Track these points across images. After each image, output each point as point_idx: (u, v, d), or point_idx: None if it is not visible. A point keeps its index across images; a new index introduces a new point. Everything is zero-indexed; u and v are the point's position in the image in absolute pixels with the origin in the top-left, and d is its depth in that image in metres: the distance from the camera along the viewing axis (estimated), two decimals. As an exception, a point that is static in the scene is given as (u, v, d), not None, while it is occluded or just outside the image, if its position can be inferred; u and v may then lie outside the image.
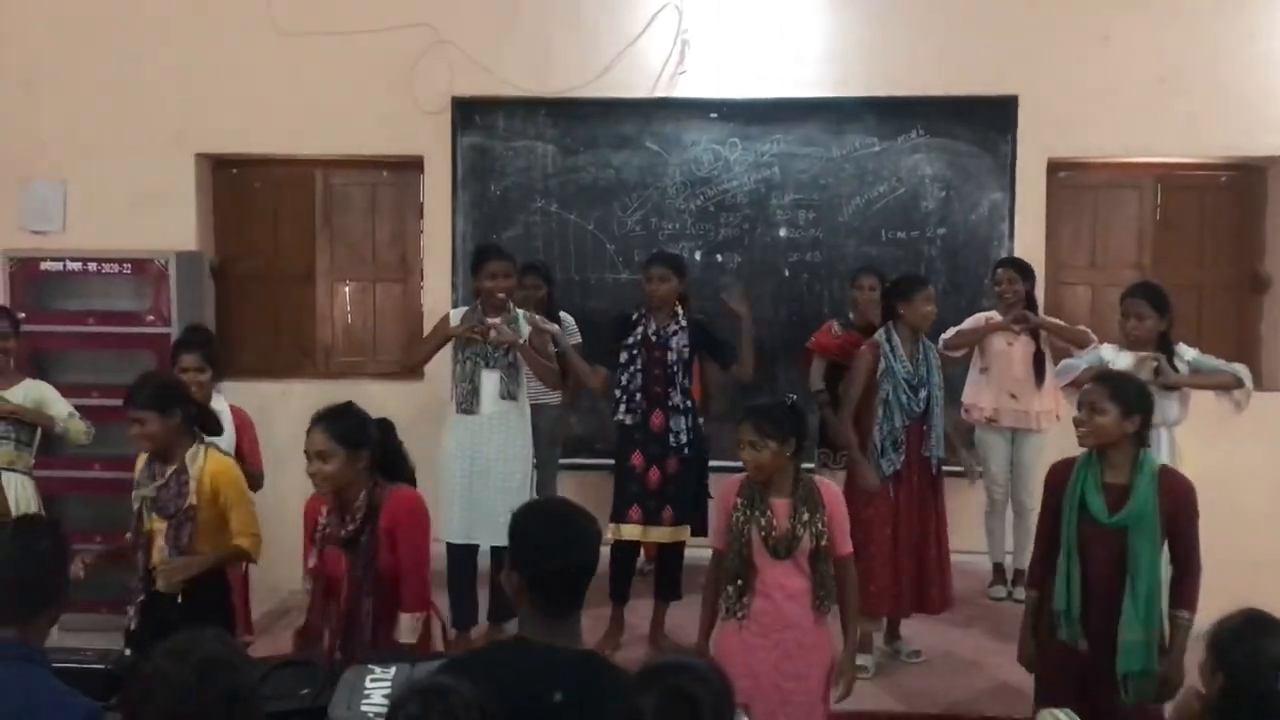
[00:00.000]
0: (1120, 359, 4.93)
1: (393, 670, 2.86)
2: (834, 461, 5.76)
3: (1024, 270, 5.86)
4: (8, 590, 2.61)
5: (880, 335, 5.04)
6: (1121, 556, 3.60)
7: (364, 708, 2.76)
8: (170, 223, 6.71)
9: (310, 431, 3.42)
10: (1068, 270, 6.93)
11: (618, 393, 5.20)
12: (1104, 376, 3.83)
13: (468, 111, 6.68)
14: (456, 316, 5.35)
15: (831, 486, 3.91)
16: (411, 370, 6.24)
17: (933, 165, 6.62)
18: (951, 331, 5.78)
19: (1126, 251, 6.93)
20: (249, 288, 7.11)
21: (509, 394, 5.18)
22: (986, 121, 6.57)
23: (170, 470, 3.98)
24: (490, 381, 5.15)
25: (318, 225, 7.06)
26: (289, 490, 6.55)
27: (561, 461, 6.18)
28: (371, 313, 7.16)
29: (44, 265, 6.51)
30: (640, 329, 5.17)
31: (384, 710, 2.72)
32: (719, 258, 6.71)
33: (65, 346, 6.54)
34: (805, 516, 3.71)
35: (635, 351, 5.15)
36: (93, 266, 6.50)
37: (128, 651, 3.15)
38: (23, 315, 6.28)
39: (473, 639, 5.11)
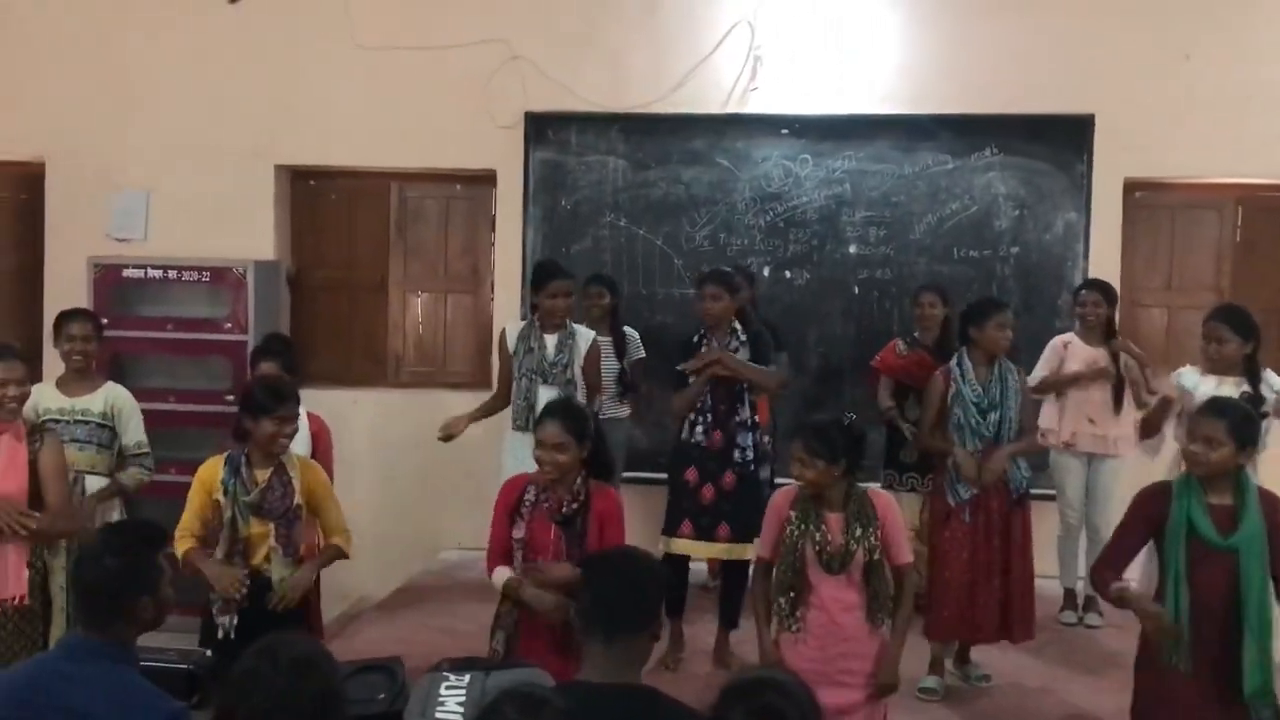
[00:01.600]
0: (1203, 384, 4.84)
1: (466, 678, 2.88)
2: (899, 483, 5.72)
3: (1109, 294, 5.78)
4: (85, 597, 2.69)
5: (954, 359, 4.99)
6: (1230, 577, 3.54)
7: (438, 715, 2.80)
8: (249, 232, 6.87)
9: (545, 424, 3.81)
10: (1143, 292, 6.83)
11: (693, 415, 5.14)
12: (1221, 408, 3.72)
13: (540, 126, 6.75)
14: (513, 332, 5.39)
15: (884, 496, 3.89)
16: (487, 386, 6.28)
17: (1006, 184, 6.57)
18: (1036, 379, 5.65)
19: (1204, 274, 6.81)
20: (323, 297, 7.24)
21: None
22: (1062, 140, 6.51)
23: (268, 474, 4.06)
24: (547, 398, 5.16)
25: (392, 236, 7.18)
26: (359, 499, 6.67)
27: (624, 475, 6.18)
28: (443, 324, 7.25)
29: (126, 272, 6.68)
30: (704, 349, 5.14)
31: (458, 716, 2.76)
32: (788, 274, 6.71)
33: (145, 351, 6.70)
34: (858, 531, 3.70)
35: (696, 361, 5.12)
36: (173, 274, 6.67)
37: (209, 652, 3.21)
38: (105, 320, 6.44)
39: None
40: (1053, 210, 6.55)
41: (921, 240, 6.62)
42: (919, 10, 6.63)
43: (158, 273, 6.67)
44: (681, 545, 5.07)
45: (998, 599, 4.81)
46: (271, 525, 4.01)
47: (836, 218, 6.66)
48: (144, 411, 5.37)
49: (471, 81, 6.69)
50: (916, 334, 5.87)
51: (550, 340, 5.28)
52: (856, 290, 6.67)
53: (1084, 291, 5.83)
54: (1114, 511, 5.63)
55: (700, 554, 5.18)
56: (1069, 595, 5.90)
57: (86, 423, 5.01)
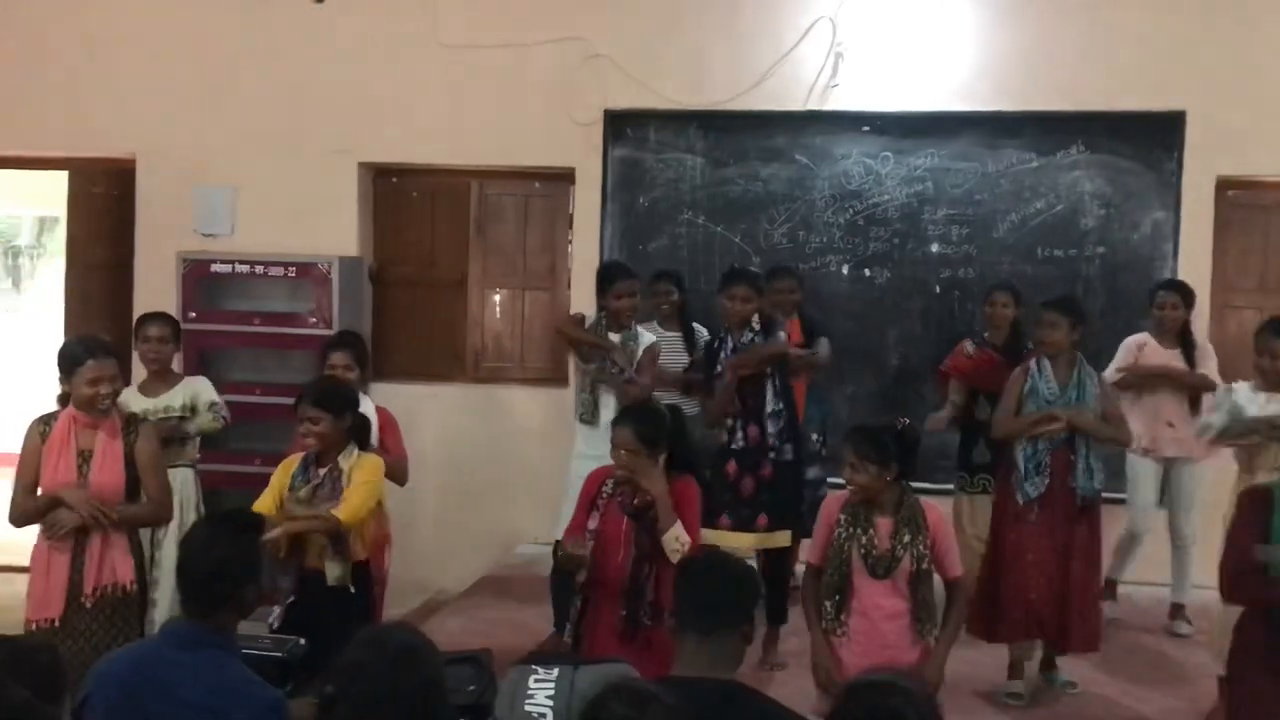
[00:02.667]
0: (1255, 401, 4.62)
1: (555, 672, 2.88)
2: (971, 485, 5.65)
3: (1187, 295, 5.65)
4: (193, 585, 2.74)
5: (1034, 357, 4.93)
6: None
7: (527, 708, 2.80)
8: (333, 228, 6.96)
9: (618, 429, 3.85)
10: (1235, 294, 6.65)
11: (729, 421, 5.12)
12: None
13: (619, 124, 6.76)
14: (587, 322, 5.45)
15: (936, 509, 3.85)
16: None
17: (1093, 182, 6.44)
18: (1112, 377, 5.57)
19: (1300, 274, 6.63)
20: (404, 293, 7.31)
21: None
22: (1151, 138, 6.37)
23: (324, 472, 4.11)
24: (609, 397, 5.19)
25: (471, 234, 7.23)
26: (430, 491, 6.76)
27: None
28: (520, 320, 7.29)
29: (214, 267, 6.80)
30: (723, 353, 5.11)
31: (546, 710, 2.77)
32: (867, 272, 6.65)
33: (231, 345, 6.82)
34: (906, 538, 3.69)
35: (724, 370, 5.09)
36: (259, 269, 6.77)
37: (302, 641, 3.26)
38: (193, 314, 6.59)
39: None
40: (1141, 209, 6.41)
41: (1005, 239, 6.51)
42: (1003, 5, 6.52)
43: (245, 268, 6.78)
44: (717, 537, 5.03)
45: (1057, 603, 4.71)
46: None
47: (918, 216, 6.58)
48: (229, 404, 5.50)
49: (552, 79, 6.72)
50: (986, 334, 5.79)
51: (615, 340, 5.29)
52: (938, 290, 6.58)
53: (1162, 292, 5.70)
54: (1198, 515, 5.54)
55: (739, 545, 5.10)
56: (1109, 585, 5.69)
57: (168, 419, 5.13)
